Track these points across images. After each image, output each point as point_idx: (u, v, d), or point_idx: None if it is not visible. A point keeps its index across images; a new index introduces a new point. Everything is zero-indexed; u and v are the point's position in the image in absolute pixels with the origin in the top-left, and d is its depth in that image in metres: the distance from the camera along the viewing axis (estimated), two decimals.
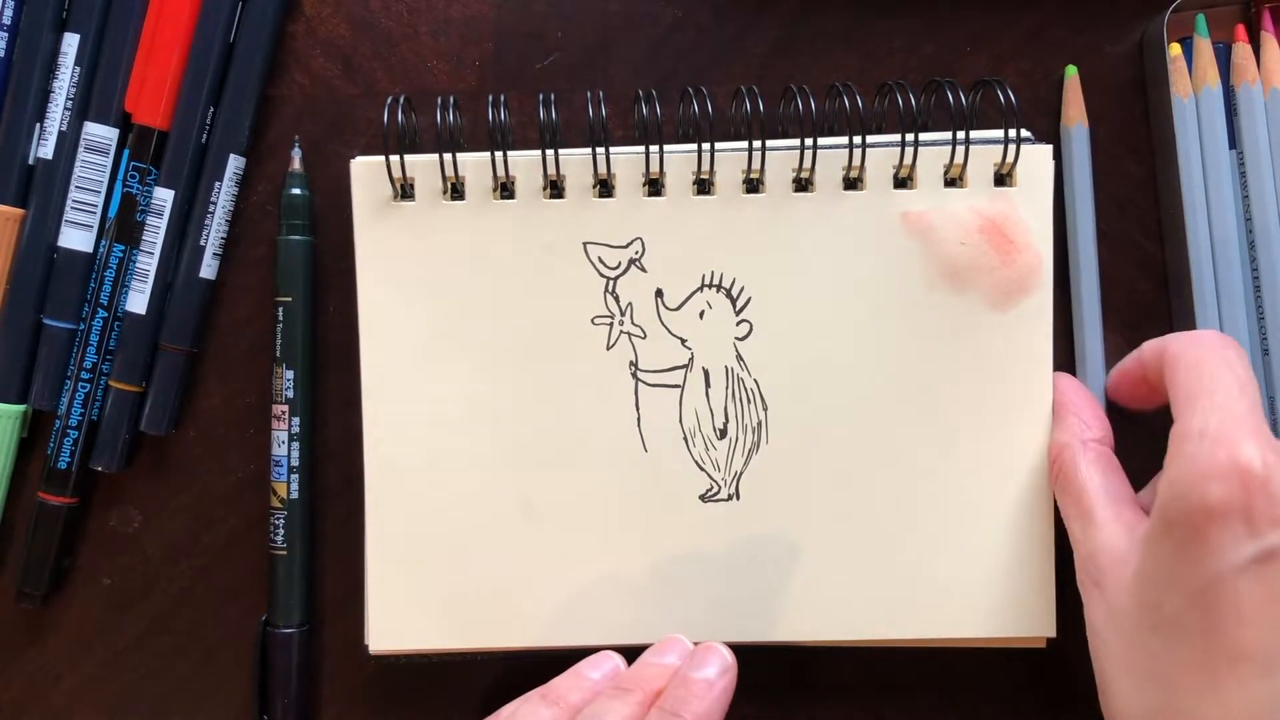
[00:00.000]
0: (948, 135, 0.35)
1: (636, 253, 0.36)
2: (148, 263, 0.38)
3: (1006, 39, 0.39)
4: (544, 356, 0.36)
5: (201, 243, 0.38)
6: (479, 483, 0.36)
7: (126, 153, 0.38)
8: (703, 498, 0.36)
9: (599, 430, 0.36)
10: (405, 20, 0.39)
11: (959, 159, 0.35)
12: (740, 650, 0.33)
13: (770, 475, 0.36)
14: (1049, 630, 0.36)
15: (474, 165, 0.36)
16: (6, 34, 0.38)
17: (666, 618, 0.36)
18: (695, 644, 0.34)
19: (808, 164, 0.35)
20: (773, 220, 0.36)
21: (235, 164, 0.38)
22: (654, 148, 0.35)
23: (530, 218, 0.36)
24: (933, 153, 0.35)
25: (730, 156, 0.35)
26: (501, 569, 0.36)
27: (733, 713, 0.32)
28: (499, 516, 0.36)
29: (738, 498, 0.36)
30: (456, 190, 0.36)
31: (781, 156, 0.35)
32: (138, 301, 0.38)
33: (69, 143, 0.38)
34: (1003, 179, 0.35)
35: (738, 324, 0.36)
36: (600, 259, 0.36)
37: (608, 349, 0.36)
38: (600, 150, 0.35)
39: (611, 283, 0.36)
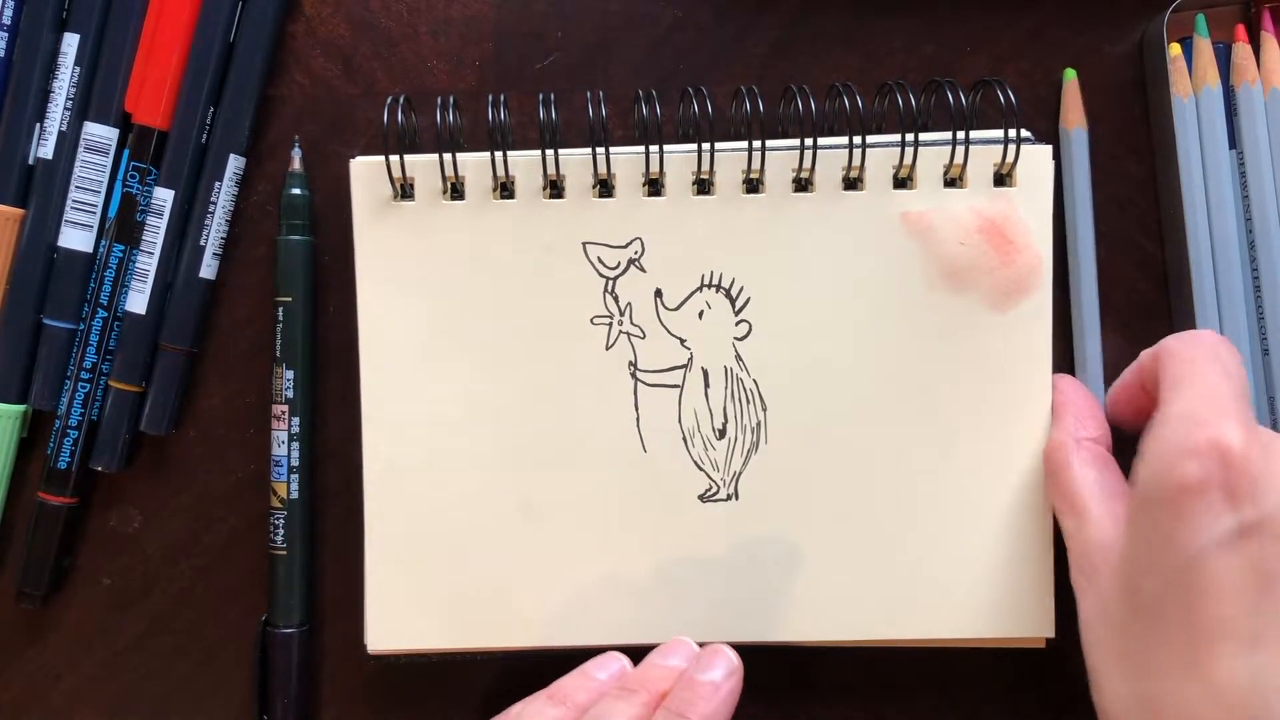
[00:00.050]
0: (947, 135, 0.35)
1: (636, 253, 0.36)
2: (148, 263, 0.38)
3: (1006, 39, 0.39)
4: (543, 356, 0.36)
5: (201, 243, 0.38)
6: (478, 482, 0.36)
7: (126, 153, 0.38)
8: (702, 498, 0.36)
9: (598, 430, 0.36)
10: (405, 20, 0.39)
11: (959, 159, 0.35)
12: (740, 650, 0.33)
13: (769, 475, 0.36)
14: (1048, 630, 0.36)
15: (474, 165, 0.36)
16: (6, 34, 0.38)
17: (665, 617, 0.36)
18: (701, 645, 0.34)
19: (807, 164, 0.35)
20: (772, 220, 0.36)
21: (235, 164, 0.38)
22: (654, 148, 0.35)
23: (530, 217, 0.36)
24: (932, 153, 0.35)
25: (730, 156, 0.35)
26: (500, 569, 0.36)
27: (733, 713, 0.32)
28: (498, 516, 0.36)
29: (736, 498, 0.36)
30: (456, 190, 0.36)
31: (781, 156, 0.35)
32: (138, 301, 0.38)
33: (69, 143, 0.38)
34: (1002, 179, 0.35)
35: (737, 324, 0.36)
36: (600, 259, 0.36)
37: (607, 349, 0.36)
38: (600, 150, 0.35)
39: (611, 282, 0.36)
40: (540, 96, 0.36)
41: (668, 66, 0.39)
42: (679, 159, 0.35)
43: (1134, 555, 0.30)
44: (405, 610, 0.36)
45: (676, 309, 0.36)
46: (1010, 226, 0.35)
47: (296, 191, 0.38)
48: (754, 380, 0.36)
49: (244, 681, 0.39)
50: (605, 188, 0.36)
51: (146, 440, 0.39)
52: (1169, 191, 0.37)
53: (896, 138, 0.35)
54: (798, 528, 0.36)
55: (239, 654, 0.39)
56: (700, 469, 0.36)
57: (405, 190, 0.36)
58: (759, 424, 0.36)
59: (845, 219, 0.36)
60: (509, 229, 0.36)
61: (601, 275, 0.36)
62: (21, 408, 0.38)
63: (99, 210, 0.38)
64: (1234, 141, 0.37)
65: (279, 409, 0.38)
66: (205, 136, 0.38)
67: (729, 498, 0.36)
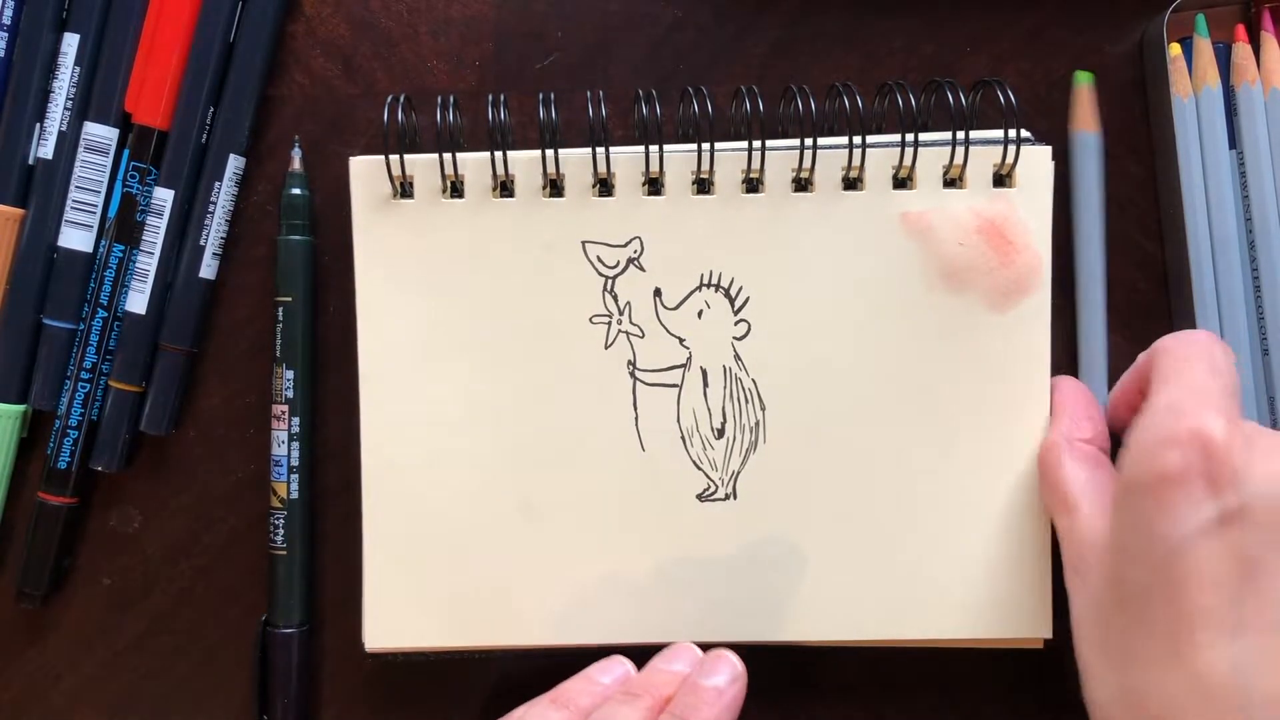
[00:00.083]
0: (947, 135, 0.35)
1: (635, 252, 0.36)
2: (148, 263, 0.38)
3: (1006, 39, 0.39)
4: (542, 355, 0.36)
5: (201, 243, 0.38)
6: (477, 482, 0.36)
7: (126, 153, 0.38)
8: (700, 497, 0.36)
9: (597, 429, 0.36)
10: (405, 20, 0.39)
11: (958, 159, 0.35)
12: (739, 650, 0.33)
13: (768, 475, 0.36)
14: (1045, 631, 0.36)
15: (473, 164, 0.36)
16: (6, 34, 0.38)
17: (664, 617, 0.36)
18: (700, 645, 0.34)
19: (807, 164, 0.35)
20: (772, 220, 0.36)
21: (235, 164, 0.38)
22: (654, 147, 0.35)
23: (529, 216, 0.36)
24: (932, 153, 0.35)
25: (730, 156, 0.35)
26: (499, 568, 0.36)
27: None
28: (497, 515, 0.36)
29: (735, 497, 0.36)
30: (456, 189, 0.36)
31: (781, 156, 0.35)
32: (138, 301, 0.38)
33: (69, 143, 0.38)
34: (1002, 179, 0.35)
35: (736, 324, 0.36)
36: (599, 258, 0.36)
37: (606, 348, 0.36)
38: (600, 150, 0.35)
39: (610, 282, 0.36)
40: (540, 96, 0.36)
41: (668, 66, 0.39)
42: (679, 158, 0.35)
43: (1118, 546, 0.30)
44: (404, 609, 0.36)
45: (675, 308, 0.36)
46: (1010, 227, 0.35)
47: (296, 191, 0.38)
48: (753, 380, 0.36)
49: (244, 681, 0.39)
50: (605, 187, 0.36)
51: (146, 440, 0.39)
52: (1169, 191, 0.37)
53: (896, 138, 0.35)
54: (796, 527, 0.36)
55: (239, 654, 0.39)
56: (699, 468, 0.36)
57: (405, 189, 0.36)
58: (757, 423, 0.36)
59: (845, 219, 0.36)
60: (508, 228, 0.36)
61: (601, 274, 0.36)
62: (21, 408, 0.38)
63: (99, 210, 0.38)
64: (1234, 141, 0.37)
65: (279, 409, 0.38)
66: (205, 136, 0.38)
67: (727, 497, 0.36)
